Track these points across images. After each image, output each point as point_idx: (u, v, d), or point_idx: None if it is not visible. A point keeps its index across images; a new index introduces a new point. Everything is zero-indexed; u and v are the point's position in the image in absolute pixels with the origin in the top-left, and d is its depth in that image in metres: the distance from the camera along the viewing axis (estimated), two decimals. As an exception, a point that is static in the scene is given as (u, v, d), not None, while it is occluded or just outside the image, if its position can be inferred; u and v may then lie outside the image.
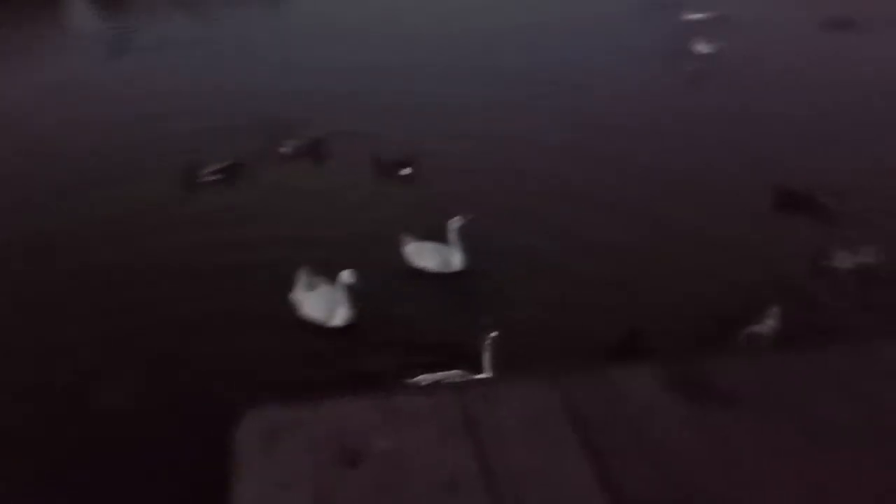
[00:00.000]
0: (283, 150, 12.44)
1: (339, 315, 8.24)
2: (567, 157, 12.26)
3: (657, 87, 15.56)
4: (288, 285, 8.47)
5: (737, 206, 10.68)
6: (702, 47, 17.30)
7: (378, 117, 13.91)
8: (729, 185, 11.34)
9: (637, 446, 2.63)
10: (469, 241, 9.14)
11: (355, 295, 8.23)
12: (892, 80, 16.49)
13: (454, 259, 9.20)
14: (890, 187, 11.19)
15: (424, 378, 7.12)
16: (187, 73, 16.99)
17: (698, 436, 2.70)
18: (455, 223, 9.10)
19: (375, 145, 12.34)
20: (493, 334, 7.27)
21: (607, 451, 2.60)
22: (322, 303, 8.30)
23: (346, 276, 8.14)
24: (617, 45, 18.12)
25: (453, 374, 7.18)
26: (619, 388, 2.92)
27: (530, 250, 9.48)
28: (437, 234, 9.29)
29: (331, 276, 8.36)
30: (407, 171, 11.68)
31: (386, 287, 8.79)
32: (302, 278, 8.38)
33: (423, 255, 9.26)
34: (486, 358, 7.29)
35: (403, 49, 18.70)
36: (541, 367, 6.75)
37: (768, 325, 7.98)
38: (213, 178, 11.55)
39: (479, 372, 7.28)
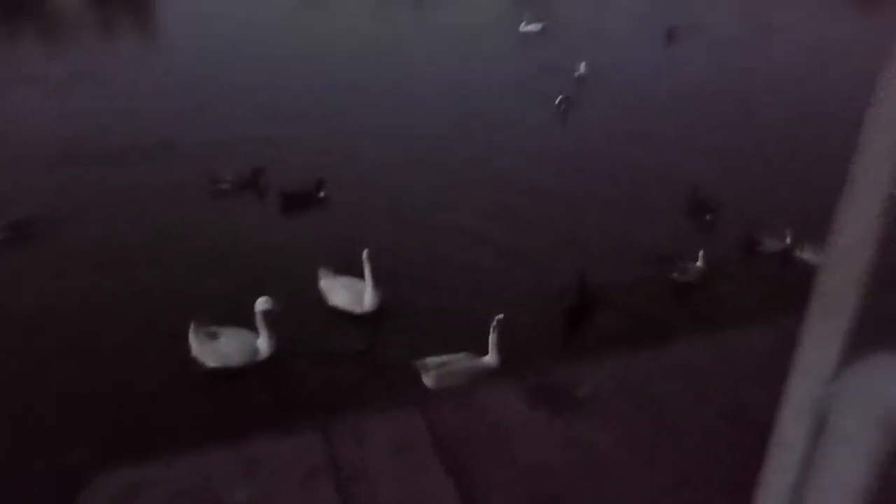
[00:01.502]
0: (221, 185, 11.94)
1: (262, 350, 7.73)
2: (476, 184, 12.36)
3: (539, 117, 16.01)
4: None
5: (652, 211, 11.14)
6: (580, 68, 17.85)
7: (282, 148, 13.64)
8: (638, 192, 11.82)
9: (503, 464, 2.64)
10: (383, 274, 8.73)
11: (274, 324, 7.73)
12: (728, 84, 17.84)
13: (367, 294, 8.65)
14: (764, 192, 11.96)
15: (431, 361, 7.23)
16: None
17: (563, 447, 2.74)
18: (367, 256, 8.62)
19: (280, 177, 12.00)
20: (499, 317, 7.37)
21: (473, 471, 2.59)
22: (238, 345, 7.73)
23: (262, 302, 7.67)
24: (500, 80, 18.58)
25: (460, 357, 7.30)
26: (483, 408, 2.93)
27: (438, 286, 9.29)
28: (350, 267, 8.88)
29: (236, 319, 7.87)
30: (321, 195, 11.41)
31: (303, 323, 8.44)
32: (197, 330, 7.69)
33: (337, 291, 8.77)
34: (493, 340, 7.39)
35: (305, 76, 18.74)
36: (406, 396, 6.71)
37: (697, 265, 9.14)
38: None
39: (485, 353, 7.41)
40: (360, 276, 8.65)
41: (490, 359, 7.37)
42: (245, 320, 7.74)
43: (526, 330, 7.97)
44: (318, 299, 8.74)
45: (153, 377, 7.51)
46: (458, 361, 7.30)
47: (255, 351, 7.67)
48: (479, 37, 23.32)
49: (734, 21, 25.95)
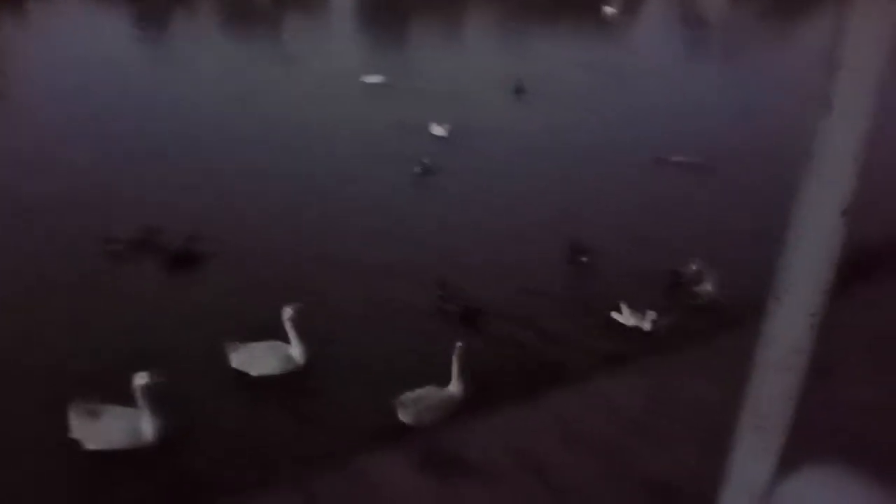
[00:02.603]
0: (112, 246, 10.74)
1: (146, 432, 6.79)
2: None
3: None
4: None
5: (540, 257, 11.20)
6: (436, 130, 17.47)
7: (161, 206, 12.66)
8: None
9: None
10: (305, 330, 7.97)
11: (161, 401, 6.84)
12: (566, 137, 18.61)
13: (295, 354, 7.95)
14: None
15: (407, 397, 7.10)
16: None
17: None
18: (288, 313, 7.87)
19: (162, 236, 11.06)
20: (460, 344, 7.32)
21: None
22: (122, 425, 6.87)
23: (142, 377, 6.72)
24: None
25: (430, 389, 7.25)
26: (371, 479, 2.82)
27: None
28: (258, 330, 8.07)
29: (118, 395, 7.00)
30: (202, 252, 10.62)
31: (205, 395, 7.60)
32: (78, 407, 6.84)
33: (258, 360, 7.99)
34: (456, 368, 7.31)
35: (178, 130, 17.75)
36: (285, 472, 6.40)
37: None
38: None
39: (448, 384, 7.33)
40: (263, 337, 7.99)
41: (454, 388, 7.37)
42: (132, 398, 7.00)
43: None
44: (222, 369, 7.97)
45: (26, 459, 6.67)
46: (432, 395, 7.31)
47: (140, 432, 6.82)
48: (324, 85, 22.97)
49: (588, 72, 26.61)
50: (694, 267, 10.72)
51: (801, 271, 0.92)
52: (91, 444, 6.80)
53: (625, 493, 2.84)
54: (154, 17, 35.73)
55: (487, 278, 10.56)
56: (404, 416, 7.12)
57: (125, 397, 6.91)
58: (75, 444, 6.76)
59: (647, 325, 9.05)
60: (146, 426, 6.81)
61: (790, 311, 0.92)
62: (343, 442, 6.75)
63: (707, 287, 10.33)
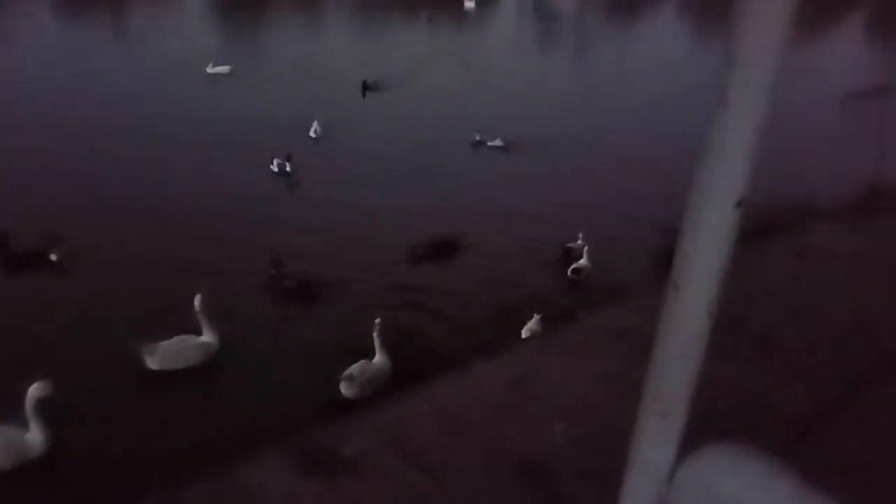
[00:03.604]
0: None
1: (35, 446, 6.40)
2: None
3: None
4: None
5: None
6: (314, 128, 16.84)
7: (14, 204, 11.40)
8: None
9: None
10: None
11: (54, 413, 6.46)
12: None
13: (210, 340, 8.16)
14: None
15: (353, 370, 7.44)
16: None
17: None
18: (197, 301, 8.07)
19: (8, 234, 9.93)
20: (378, 320, 7.81)
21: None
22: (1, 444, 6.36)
23: (37, 388, 6.37)
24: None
25: (364, 363, 7.61)
26: (247, 487, 2.71)
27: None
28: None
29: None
30: (52, 258, 9.62)
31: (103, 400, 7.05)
32: None
33: (175, 353, 7.93)
34: (378, 342, 7.81)
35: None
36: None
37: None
38: None
39: (372, 357, 7.77)
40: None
41: (379, 360, 7.79)
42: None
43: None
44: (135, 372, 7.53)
45: None
46: (369, 368, 7.62)
47: (25, 448, 6.42)
48: (165, 73, 21.77)
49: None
50: (579, 242, 11.14)
51: (697, 262, 0.95)
52: None
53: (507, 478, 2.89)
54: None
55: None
56: (349, 392, 7.34)
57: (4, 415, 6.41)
58: None
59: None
60: (35, 440, 6.44)
61: (688, 301, 0.95)
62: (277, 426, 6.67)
63: (585, 262, 10.75)
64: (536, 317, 9.01)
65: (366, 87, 21.59)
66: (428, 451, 2.99)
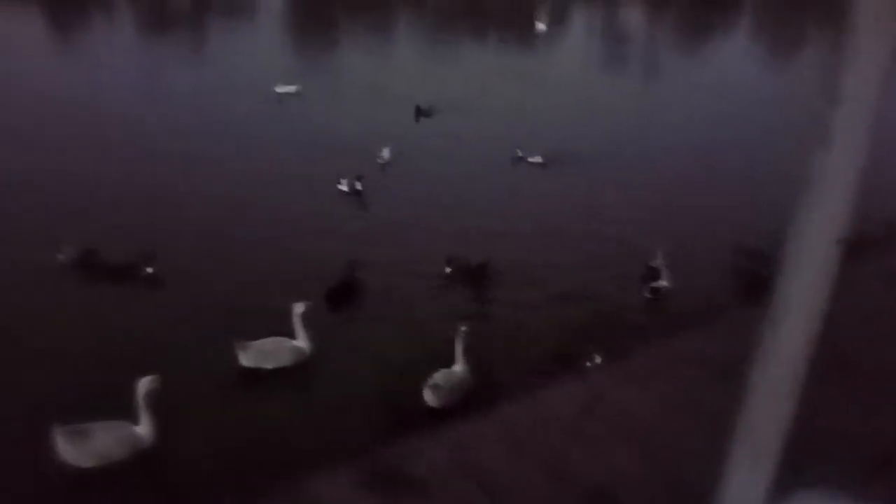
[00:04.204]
0: (60, 256, 10.23)
1: (145, 438, 6.95)
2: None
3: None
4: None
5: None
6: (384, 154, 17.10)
7: (106, 221, 12.00)
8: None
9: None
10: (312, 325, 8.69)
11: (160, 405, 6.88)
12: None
13: (304, 346, 8.63)
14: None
15: (438, 377, 7.49)
16: None
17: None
18: (299, 309, 8.59)
19: (101, 250, 10.47)
20: (464, 328, 7.90)
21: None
22: (116, 437, 6.88)
23: (146, 383, 6.99)
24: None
25: (452, 371, 7.64)
26: (314, 500, 2.75)
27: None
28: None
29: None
30: (148, 270, 10.12)
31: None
32: (63, 431, 6.73)
33: (268, 354, 8.42)
34: (459, 351, 7.92)
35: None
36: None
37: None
38: None
39: (452, 364, 7.87)
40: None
41: (459, 368, 7.93)
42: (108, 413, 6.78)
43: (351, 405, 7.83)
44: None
45: (29, 490, 6.32)
46: (454, 376, 7.72)
47: (137, 440, 6.88)
48: (241, 94, 22.25)
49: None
50: (659, 260, 10.93)
51: (795, 298, 0.93)
52: (84, 464, 6.77)
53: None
54: (68, 18, 34.50)
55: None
56: (433, 400, 7.38)
57: (113, 410, 6.80)
58: (64, 466, 6.57)
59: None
60: (144, 432, 7.00)
61: (785, 338, 0.94)
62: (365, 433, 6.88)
63: (664, 281, 10.51)
64: (598, 358, 8.86)
65: (419, 112, 21.52)
66: (495, 475, 2.98)
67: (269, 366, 8.40)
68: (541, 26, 39.55)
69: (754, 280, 9.25)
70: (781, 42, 41.84)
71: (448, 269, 10.69)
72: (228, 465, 6.70)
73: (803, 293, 0.93)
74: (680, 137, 20.28)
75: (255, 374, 8.27)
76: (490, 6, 52.95)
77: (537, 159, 17.00)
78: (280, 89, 22.44)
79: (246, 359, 8.34)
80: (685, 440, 3.36)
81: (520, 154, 17.21)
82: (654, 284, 10.56)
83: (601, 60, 35.53)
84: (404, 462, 2.98)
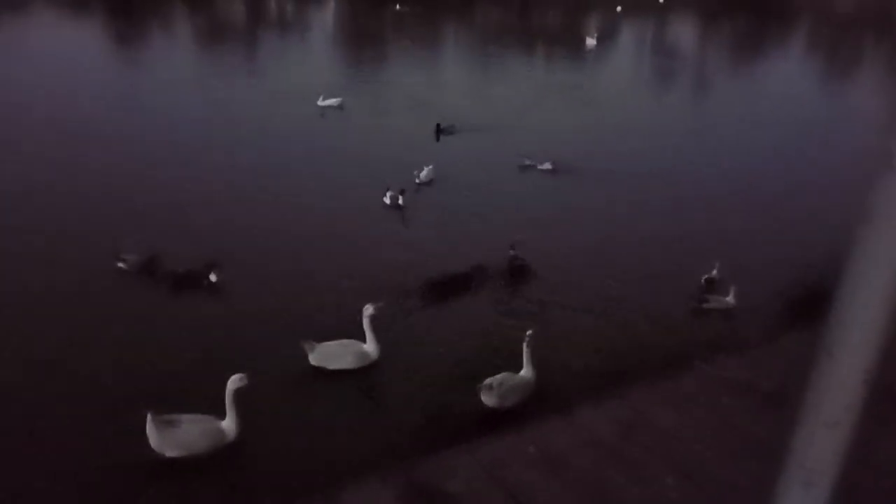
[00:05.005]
0: (120, 264, 10.60)
1: (229, 433, 7.11)
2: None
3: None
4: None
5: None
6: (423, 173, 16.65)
7: (164, 228, 12.39)
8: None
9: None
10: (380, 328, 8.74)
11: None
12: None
13: (371, 350, 8.63)
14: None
15: (492, 381, 7.40)
16: None
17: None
18: (368, 311, 8.58)
19: (164, 257, 10.82)
20: (530, 332, 7.73)
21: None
22: (201, 430, 7.10)
23: (236, 380, 7.08)
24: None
25: (509, 375, 7.60)
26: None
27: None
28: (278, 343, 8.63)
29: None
30: (211, 278, 10.37)
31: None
32: (155, 420, 6.94)
33: (336, 355, 8.58)
34: (527, 355, 7.75)
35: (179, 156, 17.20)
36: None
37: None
38: None
39: (519, 370, 7.73)
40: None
41: (527, 372, 7.78)
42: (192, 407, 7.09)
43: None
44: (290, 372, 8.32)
45: (115, 475, 6.62)
46: (511, 379, 7.60)
47: (222, 434, 7.12)
48: (286, 107, 22.59)
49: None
50: (715, 273, 10.79)
51: (854, 328, 0.90)
52: (170, 453, 6.95)
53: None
54: (128, 30, 35.48)
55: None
56: (488, 400, 7.37)
57: (199, 405, 7.03)
58: (152, 455, 6.85)
59: None
60: (229, 427, 7.12)
61: (842, 368, 0.90)
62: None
63: (727, 297, 10.33)
64: None
65: (440, 131, 21.40)
66: (531, 495, 2.94)
67: (334, 366, 8.56)
68: (591, 42, 39.36)
69: (809, 305, 9.02)
70: (838, 62, 40.99)
71: (512, 251, 10.96)
72: (299, 465, 6.94)
73: (862, 322, 0.90)
74: (736, 155, 20.01)
75: (324, 373, 8.46)
76: (540, 21, 53.05)
77: (547, 166, 16.91)
78: (322, 102, 22.64)
79: (313, 358, 8.54)
80: (727, 468, 3.28)
81: (528, 162, 17.09)
82: (708, 298, 10.44)
83: (651, 76, 35.23)
84: (440, 477, 2.96)
